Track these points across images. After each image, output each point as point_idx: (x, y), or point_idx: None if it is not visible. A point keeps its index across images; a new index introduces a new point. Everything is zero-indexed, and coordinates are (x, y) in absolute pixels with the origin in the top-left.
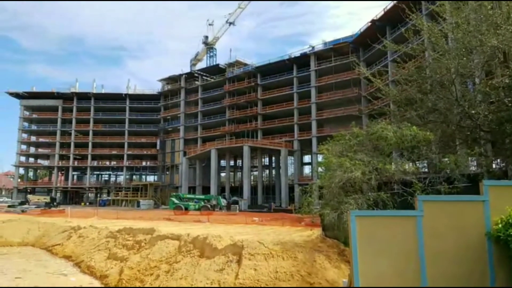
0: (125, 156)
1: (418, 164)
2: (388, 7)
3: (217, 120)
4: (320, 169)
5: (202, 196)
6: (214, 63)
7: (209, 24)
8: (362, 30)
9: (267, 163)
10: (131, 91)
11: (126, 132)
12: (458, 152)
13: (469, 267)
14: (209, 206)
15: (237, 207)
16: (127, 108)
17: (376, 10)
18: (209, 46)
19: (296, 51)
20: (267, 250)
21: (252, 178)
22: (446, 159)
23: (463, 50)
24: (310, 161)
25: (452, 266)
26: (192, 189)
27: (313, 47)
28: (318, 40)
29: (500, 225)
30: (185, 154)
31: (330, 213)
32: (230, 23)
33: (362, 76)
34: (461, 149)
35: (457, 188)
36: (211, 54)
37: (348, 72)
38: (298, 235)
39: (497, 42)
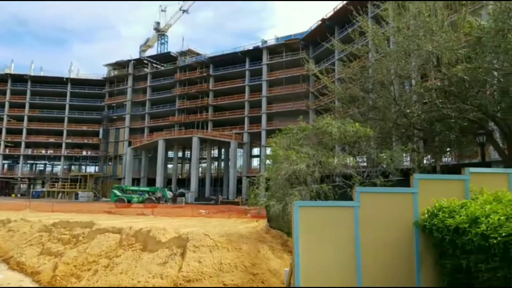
0: (64, 145)
1: (358, 158)
2: (338, 8)
3: (166, 109)
4: (268, 161)
5: (147, 188)
6: (165, 51)
7: (162, 10)
8: (312, 28)
9: (216, 155)
10: (74, 76)
11: (66, 119)
12: (393, 148)
13: (399, 254)
14: (153, 198)
15: (184, 200)
16: (68, 93)
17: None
18: (160, 33)
19: (249, 45)
20: (212, 242)
21: (200, 170)
22: (383, 154)
23: (402, 53)
24: (259, 153)
25: (384, 254)
26: (136, 181)
27: (265, 42)
28: (272, 35)
29: (426, 215)
30: (130, 144)
31: (276, 204)
32: (184, 11)
33: (310, 73)
34: (397, 145)
35: (391, 181)
36: (163, 41)
37: (298, 68)
38: (244, 226)
39: (432, 47)
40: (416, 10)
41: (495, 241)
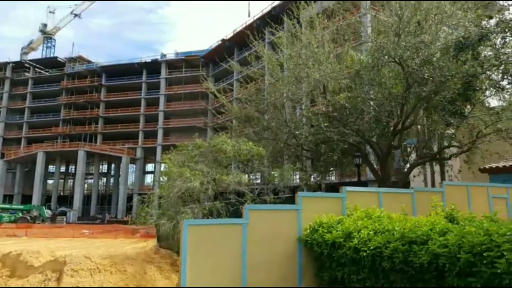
0: None
1: (251, 176)
2: (238, 30)
3: (49, 119)
4: (161, 178)
5: (21, 206)
6: (52, 55)
7: (50, 12)
8: (213, 47)
9: (106, 171)
10: None
11: None
12: (284, 166)
13: (283, 268)
14: (28, 217)
15: (64, 219)
16: None
17: (230, 31)
18: (47, 36)
19: (147, 57)
20: (93, 264)
21: (86, 186)
22: (274, 172)
23: (294, 79)
24: (153, 169)
25: (270, 269)
26: (8, 198)
27: (165, 55)
28: (172, 50)
29: (308, 231)
30: (2, 156)
31: (166, 223)
32: (76, 15)
33: (209, 91)
34: (287, 164)
35: (281, 198)
36: (49, 44)
37: (197, 84)
38: (132, 247)
39: (319, 76)
40: (307, 40)
41: (364, 254)
